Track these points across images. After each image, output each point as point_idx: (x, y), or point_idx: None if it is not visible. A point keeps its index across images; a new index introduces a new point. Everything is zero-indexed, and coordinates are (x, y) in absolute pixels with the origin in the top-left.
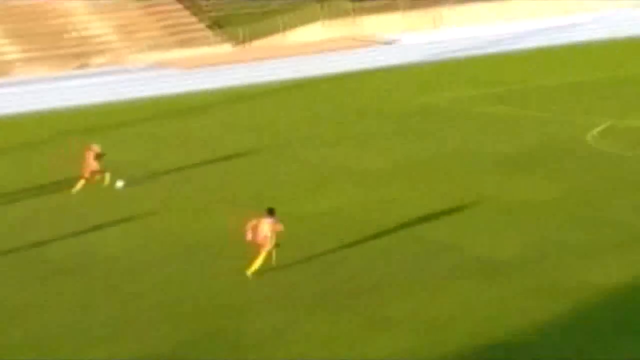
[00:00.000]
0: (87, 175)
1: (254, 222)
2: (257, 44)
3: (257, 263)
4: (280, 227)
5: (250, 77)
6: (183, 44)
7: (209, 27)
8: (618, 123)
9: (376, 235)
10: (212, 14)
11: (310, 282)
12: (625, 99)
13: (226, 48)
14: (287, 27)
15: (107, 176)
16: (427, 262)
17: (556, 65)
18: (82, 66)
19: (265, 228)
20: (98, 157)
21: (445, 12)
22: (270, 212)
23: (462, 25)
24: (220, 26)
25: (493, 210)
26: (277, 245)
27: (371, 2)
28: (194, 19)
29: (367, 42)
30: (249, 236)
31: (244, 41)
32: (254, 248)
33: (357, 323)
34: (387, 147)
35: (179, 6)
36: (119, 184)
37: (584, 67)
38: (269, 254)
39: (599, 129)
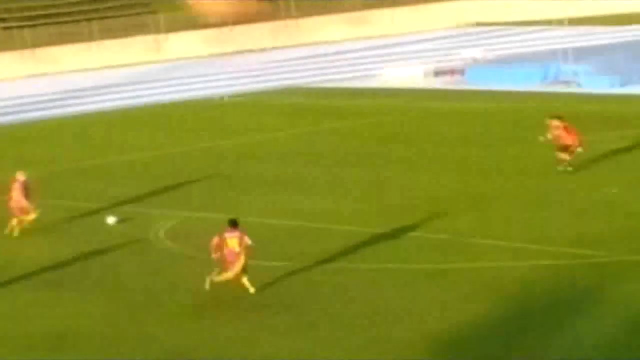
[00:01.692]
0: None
1: (216, 239)
2: None
3: (221, 276)
4: (248, 240)
5: None
6: None
7: None
8: (190, 216)
9: None
10: None
11: None
12: (189, 184)
13: None
14: None
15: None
16: None
17: (101, 137)
18: None
19: (233, 244)
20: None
21: None
22: (234, 224)
23: None
24: None
25: None
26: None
27: None
28: None
29: None
30: (216, 255)
31: None
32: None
33: None
34: None
35: None
36: (111, 220)
37: (142, 137)
38: (239, 275)
39: (166, 225)
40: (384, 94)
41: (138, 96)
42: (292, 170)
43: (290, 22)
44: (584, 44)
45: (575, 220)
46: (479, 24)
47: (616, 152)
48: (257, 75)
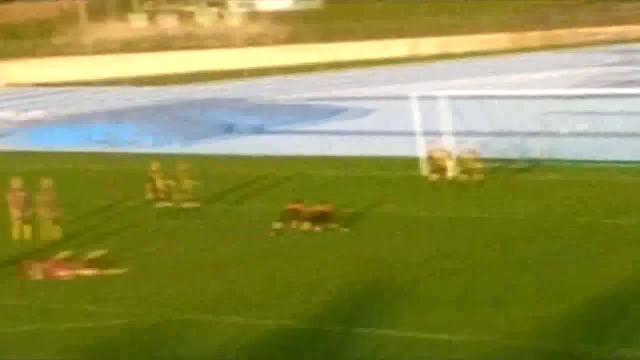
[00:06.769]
0: None
1: None
2: None
3: None
4: None
5: None
6: None
7: None
8: None
9: None
10: None
11: None
12: None
13: None
14: None
15: None
16: None
17: None
18: None
19: None
20: None
21: None
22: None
23: None
24: None
25: None
26: None
27: None
28: None
29: None
30: None
31: None
32: None
33: None
34: None
35: None
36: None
37: None
38: None
39: None
40: None
41: None
42: None
43: None
44: (126, 104)
45: (177, 282)
46: (8, 85)
47: (186, 211)
48: None
